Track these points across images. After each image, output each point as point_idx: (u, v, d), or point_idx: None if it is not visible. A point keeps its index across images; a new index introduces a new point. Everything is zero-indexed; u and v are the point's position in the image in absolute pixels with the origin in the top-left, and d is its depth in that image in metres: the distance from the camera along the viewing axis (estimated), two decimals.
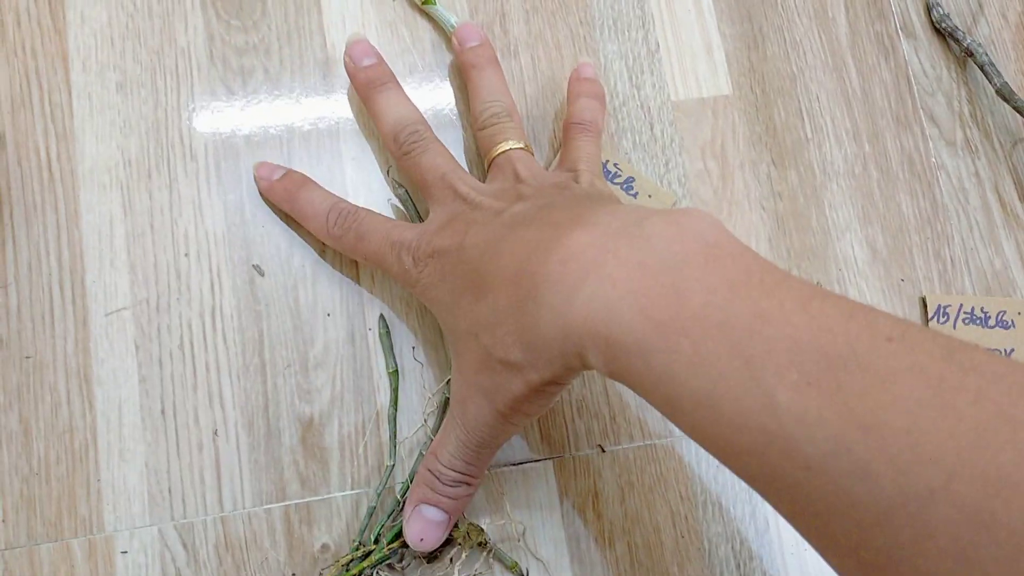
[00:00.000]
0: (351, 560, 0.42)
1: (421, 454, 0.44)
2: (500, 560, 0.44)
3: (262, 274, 0.46)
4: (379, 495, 0.43)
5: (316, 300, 0.46)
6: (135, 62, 0.47)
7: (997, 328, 0.51)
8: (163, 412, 0.44)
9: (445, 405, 0.45)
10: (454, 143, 0.48)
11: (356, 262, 0.46)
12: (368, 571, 0.42)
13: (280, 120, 0.48)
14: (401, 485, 0.44)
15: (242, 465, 0.44)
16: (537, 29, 0.51)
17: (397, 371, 0.45)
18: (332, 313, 0.46)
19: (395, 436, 0.44)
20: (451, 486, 0.40)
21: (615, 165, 0.49)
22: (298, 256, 0.46)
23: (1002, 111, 0.54)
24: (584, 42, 0.51)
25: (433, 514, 0.41)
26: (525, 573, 0.44)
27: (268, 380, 0.45)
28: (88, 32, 0.47)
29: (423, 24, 0.50)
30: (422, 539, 0.41)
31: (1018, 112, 0.52)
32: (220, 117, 0.47)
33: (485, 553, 0.43)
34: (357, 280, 0.46)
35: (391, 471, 0.44)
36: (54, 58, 0.47)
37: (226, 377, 0.44)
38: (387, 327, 0.46)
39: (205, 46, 0.48)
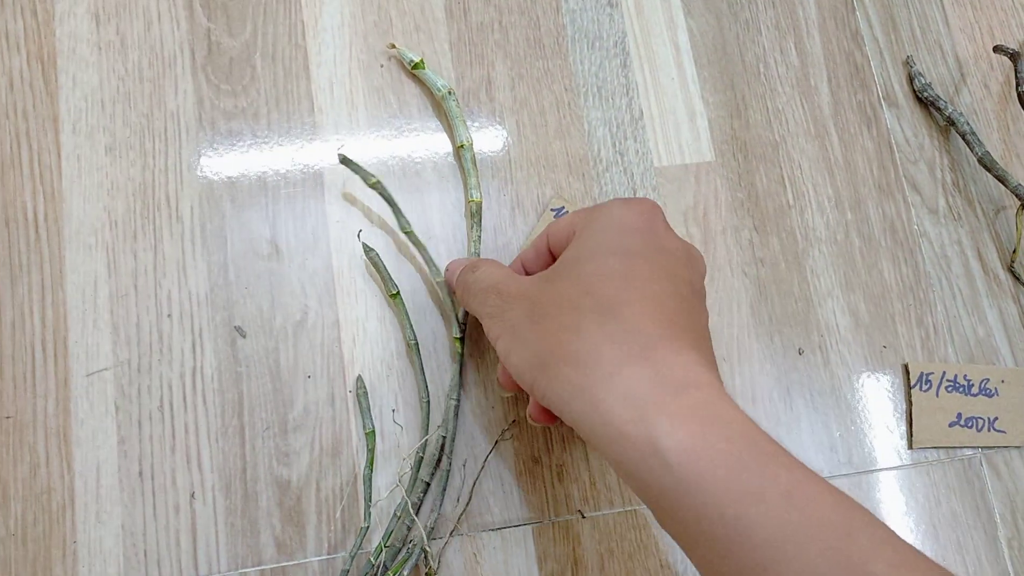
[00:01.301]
0: None
1: (396, 516, 0.44)
2: None
3: (244, 336, 0.46)
4: (352, 557, 0.43)
5: (297, 362, 0.46)
6: (124, 125, 0.48)
7: (980, 396, 0.51)
8: (141, 474, 0.44)
9: (419, 466, 0.45)
10: (441, 205, 0.49)
11: (338, 324, 0.47)
12: None
13: (267, 182, 0.48)
14: (376, 548, 0.43)
15: (218, 528, 0.44)
16: (523, 96, 0.52)
17: (374, 432, 0.45)
18: (312, 375, 0.46)
19: (370, 498, 0.44)
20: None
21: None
22: (280, 318, 0.46)
23: (984, 179, 0.55)
24: (568, 108, 0.52)
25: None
26: None
27: (247, 442, 0.45)
28: (79, 95, 0.48)
29: (410, 90, 0.51)
30: None
31: (1000, 181, 0.53)
32: (207, 179, 0.48)
33: None
34: (339, 342, 0.47)
35: (365, 533, 0.43)
36: (45, 120, 0.47)
37: (204, 439, 0.44)
38: (364, 387, 0.46)
39: (194, 110, 0.49)
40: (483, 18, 0.52)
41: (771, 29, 0.55)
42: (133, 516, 0.43)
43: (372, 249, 0.46)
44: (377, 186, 0.43)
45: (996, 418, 0.50)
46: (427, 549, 0.43)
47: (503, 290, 0.38)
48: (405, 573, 0.43)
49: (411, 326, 0.46)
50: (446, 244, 0.49)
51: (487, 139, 0.51)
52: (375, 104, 0.50)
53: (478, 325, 0.45)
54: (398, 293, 0.46)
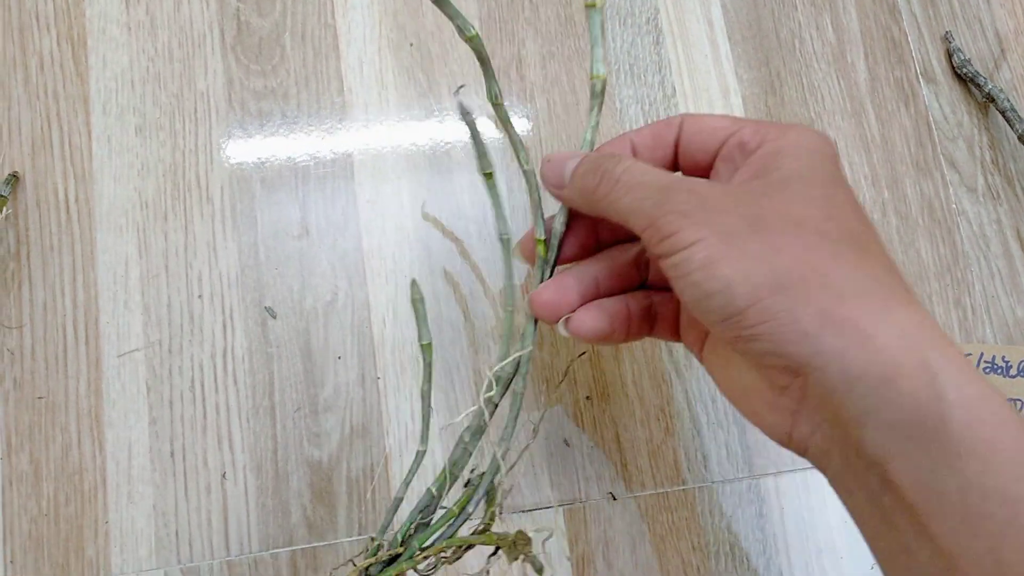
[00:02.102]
0: (371, 565, 0.36)
1: (462, 441, 0.39)
2: (532, 565, 0.38)
3: (274, 316, 0.46)
4: (407, 485, 0.39)
5: (327, 343, 0.46)
6: (155, 105, 0.48)
7: (1019, 377, 0.50)
8: (172, 454, 0.44)
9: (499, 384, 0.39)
10: (471, 185, 0.49)
11: (368, 305, 0.46)
12: None
13: (296, 163, 0.48)
14: (437, 476, 0.39)
15: (249, 509, 0.44)
16: (554, 74, 0.51)
17: (431, 344, 0.41)
18: (343, 356, 0.46)
19: (428, 417, 0.40)
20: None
21: None
22: (310, 299, 0.46)
23: None
24: None
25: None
26: None
27: (277, 423, 0.45)
28: (109, 76, 0.48)
29: (440, 69, 0.50)
30: None
31: None
32: (237, 160, 0.48)
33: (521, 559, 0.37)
34: (369, 324, 0.46)
35: (421, 457, 0.39)
36: (75, 101, 0.47)
37: (236, 419, 0.44)
38: (420, 293, 0.43)
39: (224, 90, 0.48)
40: None
41: (806, 4, 0.54)
42: (164, 496, 0.43)
43: (469, 112, 0.40)
44: (474, 40, 0.35)
45: None
46: (501, 474, 0.37)
47: (693, 188, 0.31)
48: (470, 509, 0.37)
49: (504, 216, 0.41)
50: (476, 225, 0.48)
51: (517, 118, 0.50)
52: (404, 84, 0.50)
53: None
54: (492, 173, 0.40)
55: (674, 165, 0.36)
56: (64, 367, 0.44)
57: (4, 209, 0.45)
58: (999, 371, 0.50)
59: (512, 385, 0.38)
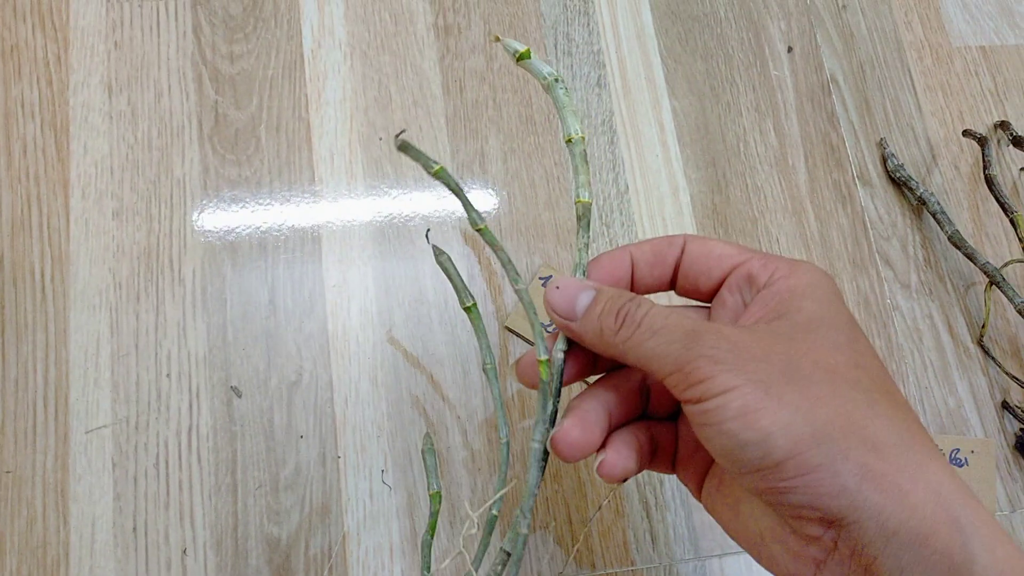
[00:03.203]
0: None
1: None
2: None
3: (240, 395, 0.48)
4: None
5: (290, 422, 0.48)
6: (132, 191, 0.50)
7: (951, 466, 0.52)
8: (135, 529, 0.45)
9: (491, 526, 0.41)
10: (434, 272, 0.51)
11: (331, 385, 0.48)
12: None
13: (267, 247, 0.50)
14: None
15: None
16: (514, 169, 0.54)
17: (439, 494, 0.42)
18: (305, 435, 0.47)
19: (429, 567, 0.41)
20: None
21: None
22: (275, 379, 0.48)
23: (955, 256, 0.57)
24: (558, 182, 0.54)
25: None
26: None
27: (239, 500, 0.46)
28: (89, 162, 0.50)
29: (407, 161, 0.53)
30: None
31: (969, 259, 0.55)
32: (209, 244, 0.50)
33: None
34: (331, 403, 0.48)
35: None
36: (55, 185, 0.50)
37: (198, 496, 0.46)
38: (431, 443, 0.43)
39: (200, 177, 0.51)
40: (478, 95, 0.55)
41: (751, 111, 0.58)
42: (126, 572, 0.44)
43: (443, 252, 0.41)
44: (441, 173, 0.36)
45: None
46: None
47: (721, 332, 0.30)
48: None
49: (488, 346, 0.41)
50: (438, 311, 0.50)
51: (481, 209, 0.53)
52: (373, 175, 0.53)
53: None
54: (474, 305, 0.41)
55: (670, 286, 0.36)
56: (33, 442, 0.45)
57: None
58: None
59: (517, 528, 0.36)
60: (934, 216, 0.56)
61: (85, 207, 0.49)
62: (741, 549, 0.49)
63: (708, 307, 0.36)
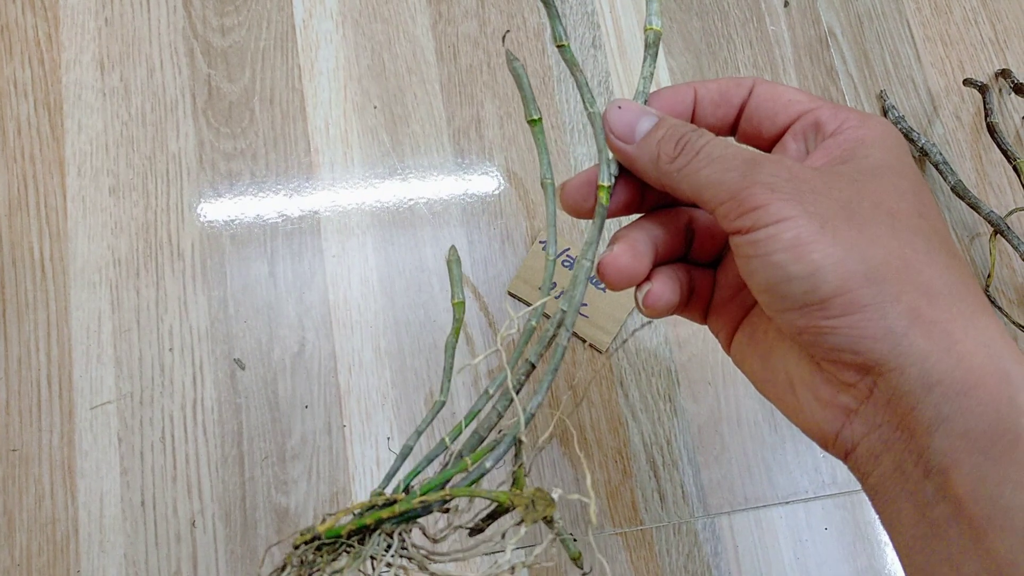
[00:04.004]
0: (369, 507, 0.31)
1: (487, 393, 0.35)
2: (564, 546, 0.34)
3: (243, 367, 0.47)
4: (419, 435, 0.37)
5: (294, 392, 0.48)
6: (128, 167, 0.50)
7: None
8: (143, 503, 0.45)
9: (527, 339, 0.37)
10: (433, 240, 0.51)
11: (334, 355, 0.48)
12: (388, 527, 0.30)
13: (265, 220, 0.50)
14: (454, 428, 0.37)
15: (218, 556, 0.45)
16: (511, 133, 0.54)
17: (463, 303, 0.42)
18: (310, 405, 0.47)
19: (451, 368, 0.40)
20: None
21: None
22: (278, 350, 0.48)
23: (958, 207, 0.56)
24: (555, 144, 0.54)
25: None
26: (587, 572, 0.35)
27: (246, 471, 0.46)
28: (84, 139, 0.50)
29: (402, 129, 0.53)
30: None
31: (973, 208, 0.54)
32: (207, 218, 0.50)
33: (550, 535, 0.31)
34: (335, 373, 0.48)
35: (441, 407, 0.38)
36: (51, 164, 0.49)
37: (205, 468, 0.46)
38: (457, 255, 0.44)
39: (195, 152, 0.51)
40: (472, 61, 0.55)
41: (749, 68, 0.58)
42: (135, 545, 0.44)
43: (516, 59, 0.38)
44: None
45: None
46: (522, 439, 0.33)
47: (782, 162, 0.29)
48: (488, 464, 0.32)
49: (549, 162, 0.37)
50: (439, 278, 0.50)
51: (477, 176, 0.53)
52: (369, 144, 0.52)
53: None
54: (539, 119, 0.38)
55: (733, 129, 0.35)
56: (38, 420, 0.45)
57: None
58: None
59: (556, 339, 0.33)
60: (936, 167, 0.56)
61: (82, 185, 0.49)
62: (749, 506, 0.49)
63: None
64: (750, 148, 0.31)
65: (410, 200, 0.52)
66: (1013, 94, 0.59)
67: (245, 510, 0.45)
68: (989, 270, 0.55)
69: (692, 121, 0.34)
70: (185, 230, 0.49)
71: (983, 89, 0.57)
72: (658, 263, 0.34)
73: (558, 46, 0.36)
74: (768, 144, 0.34)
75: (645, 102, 0.34)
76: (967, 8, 0.62)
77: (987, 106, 0.56)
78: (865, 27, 0.60)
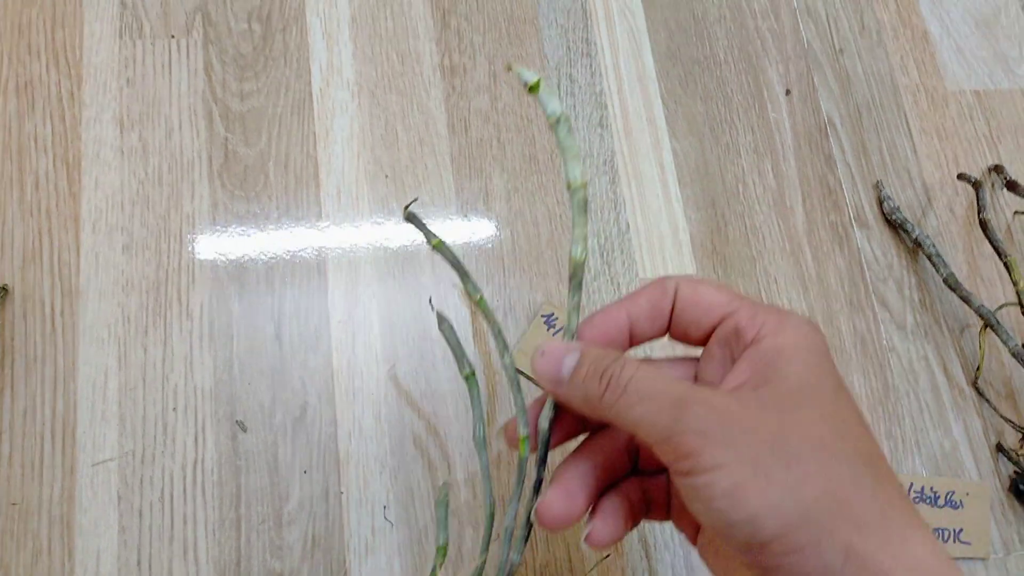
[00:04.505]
0: None
1: None
2: None
3: (244, 430, 0.48)
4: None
5: (294, 457, 0.48)
6: (142, 226, 0.51)
7: (946, 507, 0.53)
8: (139, 563, 0.45)
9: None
10: (440, 302, 0.52)
11: (335, 421, 0.49)
12: None
13: (273, 283, 0.51)
14: None
15: None
16: (518, 207, 0.55)
17: (446, 547, 0.43)
18: (308, 470, 0.48)
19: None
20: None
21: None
22: (280, 413, 0.49)
23: (950, 298, 0.58)
24: (560, 220, 0.55)
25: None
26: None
27: (242, 534, 0.46)
28: (101, 196, 0.51)
29: (412, 198, 0.54)
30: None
31: (964, 301, 0.56)
32: (217, 278, 0.51)
33: None
34: (335, 439, 0.49)
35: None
36: (67, 219, 0.50)
37: (202, 530, 0.46)
38: (447, 495, 0.44)
39: (209, 213, 0.52)
40: (482, 134, 0.56)
41: (750, 152, 0.59)
42: None
43: (446, 320, 0.42)
44: (440, 247, 0.38)
45: (961, 530, 0.52)
46: None
47: (709, 402, 0.30)
48: None
49: (481, 416, 0.42)
50: (441, 347, 0.51)
51: (484, 246, 0.54)
52: (379, 211, 0.54)
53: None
54: (472, 374, 0.42)
55: (665, 332, 0.36)
56: (40, 474, 0.46)
57: None
58: (928, 501, 0.53)
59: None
60: (929, 258, 0.57)
61: (95, 241, 0.50)
62: None
63: (697, 359, 0.36)
64: (676, 375, 0.33)
65: (417, 270, 0.53)
66: (1005, 190, 0.61)
67: (239, 574, 0.46)
68: (978, 363, 0.56)
69: (631, 338, 0.36)
70: (195, 290, 0.50)
71: (976, 185, 0.59)
72: (606, 486, 0.35)
73: (474, 301, 0.39)
74: (698, 344, 0.35)
75: (574, 335, 0.35)
76: (962, 103, 0.64)
77: (980, 202, 0.58)
78: (864, 118, 0.62)
